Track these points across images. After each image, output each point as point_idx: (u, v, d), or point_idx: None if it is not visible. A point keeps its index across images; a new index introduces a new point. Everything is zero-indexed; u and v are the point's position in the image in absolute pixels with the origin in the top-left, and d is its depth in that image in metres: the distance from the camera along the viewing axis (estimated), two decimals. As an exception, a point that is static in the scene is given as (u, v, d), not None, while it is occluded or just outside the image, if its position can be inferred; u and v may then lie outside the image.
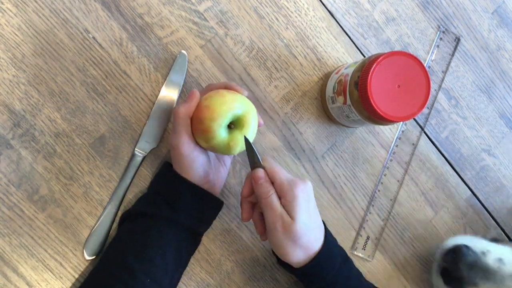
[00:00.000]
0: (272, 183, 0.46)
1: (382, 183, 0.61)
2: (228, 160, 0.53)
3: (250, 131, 0.46)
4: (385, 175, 0.61)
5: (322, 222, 0.49)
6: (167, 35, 0.54)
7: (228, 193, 0.56)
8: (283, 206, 0.45)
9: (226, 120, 0.44)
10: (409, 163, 0.62)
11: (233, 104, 0.45)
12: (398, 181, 0.61)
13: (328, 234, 0.49)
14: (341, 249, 0.52)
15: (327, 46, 0.59)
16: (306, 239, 0.46)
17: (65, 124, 0.51)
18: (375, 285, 0.53)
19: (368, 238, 0.60)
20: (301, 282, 0.51)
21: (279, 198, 0.45)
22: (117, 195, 0.52)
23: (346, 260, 0.51)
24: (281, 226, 0.45)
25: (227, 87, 0.48)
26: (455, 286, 0.53)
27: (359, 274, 0.52)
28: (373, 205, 0.60)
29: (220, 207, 0.52)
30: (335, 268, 0.48)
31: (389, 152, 0.61)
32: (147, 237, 0.46)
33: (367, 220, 0.60)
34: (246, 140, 0.45)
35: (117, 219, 0.52)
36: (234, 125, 0.46)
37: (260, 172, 0.46)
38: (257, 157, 0.46)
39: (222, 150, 0.46)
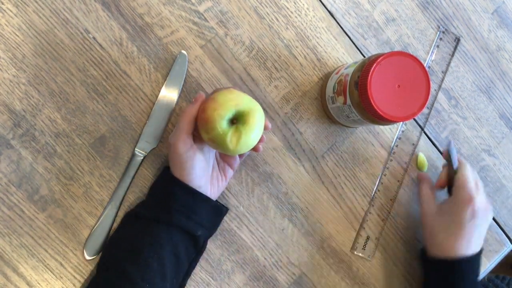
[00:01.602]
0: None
1: (382, 183, 0.61)
2: (230, 173, 0.53)
3: (253, 130, 0.45)
4: (385, 175, 0.61)
5: (478, 240, 0.54)
6: (167, 35, 0.54)
7: (228, 193, 0.56)
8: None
9: (228, 113, 0.44)
10: (409, 163, 0.62)
11: (238, 99, 0.45)
12: (398, 181, 0.61)
13: (474, 266, 0.54)
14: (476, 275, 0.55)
15: (327, 46, 0.59)
16: (439, 238, 0.54)
17: (65, 124, 0.51)
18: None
19: (368, 238, 0.60)
20: (430, 275, 0.58)
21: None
22: (117, 195, 0.52)
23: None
24: (426, 209, 0.57)
25: None
26: None
27: None
28: (373, 205, 0.60)
29: (221, 212, 0.52)
30: (474, 280, 0.54)
31: (389, 152, 0.61)
32: (141, 241, 0.46)
33: (367, 220, 0.60)
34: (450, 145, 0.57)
35: (118, 219, 0.52)
36: (237, 120, 0.45)
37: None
38: (452, 161, 0.56)
39: (221, 144, 0.45)
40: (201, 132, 0.46)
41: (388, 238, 0.61)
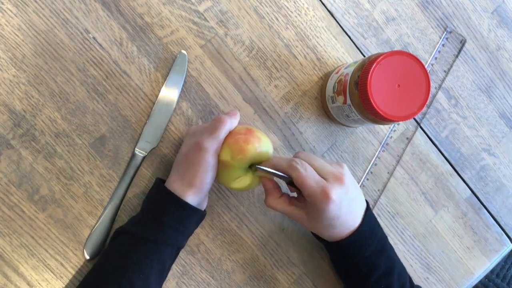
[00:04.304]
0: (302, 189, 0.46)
1: (382, 182, 0.61)
2: None
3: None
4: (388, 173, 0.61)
5: (358, 210, 0.49)
6: (167, 35, 0.54)
7: (228, 193, 0.56)
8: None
9: (247, 164, 0.47)
10: (409, 162, 0.62)
11: (259, 149, 0.46)
12: (398, 180, 0.61)
13: (367, 218, 0.49)
14: (379, 239, 0.50)
15: (327, 46, 0.59)
16: (331, 230, 0.48)
17: (65, 124, 0.51)
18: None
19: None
20: (329, 255, 0.55)
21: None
22: (117, 195, 0.52)
23: (380, 252, 0.50)
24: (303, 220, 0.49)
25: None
26: None
27: (390, 269, 0.50)
28: (374, 204, 0.60)
29: (202, 218, 0.50)
30: (363, 255, 0.49)
31: (382, 143, 0.61)
32: (128, 260, 0.45)
33: (367, 220, 0.60)
34: (262, 169, 0.47)
35: (118, 219, 0.52)
36: (252, 165, 0.47)
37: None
38: (281, 174, 0.46)
39: (239, 190, 0.49)
40: (224, 152, 0.47)
41: (388, 237, 0.61)
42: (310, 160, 0.46)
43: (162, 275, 0.47)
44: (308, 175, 0.45)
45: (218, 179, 0.48)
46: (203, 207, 0.50)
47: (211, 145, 0.45)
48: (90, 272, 0.47)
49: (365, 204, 0.50)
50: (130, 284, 0.43)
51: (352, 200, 0.47)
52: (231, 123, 0.47)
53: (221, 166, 0.47)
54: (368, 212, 0.50)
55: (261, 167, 0.46)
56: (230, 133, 0.47)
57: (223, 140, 0.46)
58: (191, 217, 0.47)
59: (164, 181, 0.49)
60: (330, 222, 0.46)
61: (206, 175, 0.46)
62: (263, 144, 0.46)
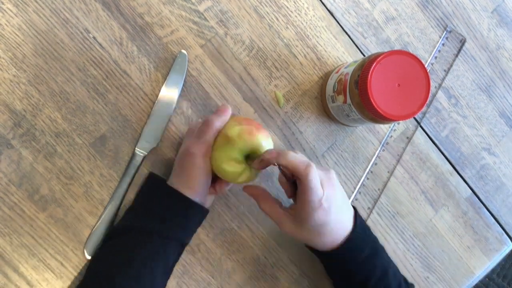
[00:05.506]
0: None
1: (382, 181, 0.61)
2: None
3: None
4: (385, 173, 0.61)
5: (347, 216, 0.48)
6: (167, 35, 0.54)
7: (228, 193, 0.56)
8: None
9: (246, 151, 0.46)
10: (409, 162, 0.62)
11: (265, 143, 0.46)
12: (398, 179, 0.61)
13: (358, 223, 0.48)
14: (372, 242, 0.50)
15: (327, 45, 0.60)
16: (321, 239, 0.47)
17: (65, 124, 0.51)
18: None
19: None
20: (324, 266, 0.53)
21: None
22: (117, 195, 0.52)
23: (374, 254, 0.49)
24: (286, 229, 0.47)
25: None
26: None
27: (386, 270, 0.49)
28: (374, 204, 0.60)
29: (205, 216, 0.51)
30: (359, 260, 0.48)
31: (382, 142, 0.61)
32: (134, 254, 0.45)
33: (368, 219, 0.60)
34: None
35: (118, 219, 0.52)
36: (249, 157, 0.47)
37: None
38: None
39: (228, 177, 0.47)
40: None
41: (388, 237, 0.61)
42: None
43: (167, 270, 0.48)
44: (315, 174, 0.43)
45: (212, 155, 0.46)
46: (206, 206, 0.50)
47: (199, 150, 0.46)
48: (95, 265, 0.48)
49: (352, 210, 0.49)
50: (138, 277, 0.44)
51: (339, 207, 0.46)
52: (221, 122, 0.47)
53: (222, 140, 0.46)
54: (358, 217, 0.49)
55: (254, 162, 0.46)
56: (245, 118, 0.48)
57: (211, 143, 0.46)
58: (194, 212, 0.48)
59: (156, 175, 0.51)
60: (319, 229, 0.46)
61: (199, 178, 0.47)
62: (268, 143, 0.47)
